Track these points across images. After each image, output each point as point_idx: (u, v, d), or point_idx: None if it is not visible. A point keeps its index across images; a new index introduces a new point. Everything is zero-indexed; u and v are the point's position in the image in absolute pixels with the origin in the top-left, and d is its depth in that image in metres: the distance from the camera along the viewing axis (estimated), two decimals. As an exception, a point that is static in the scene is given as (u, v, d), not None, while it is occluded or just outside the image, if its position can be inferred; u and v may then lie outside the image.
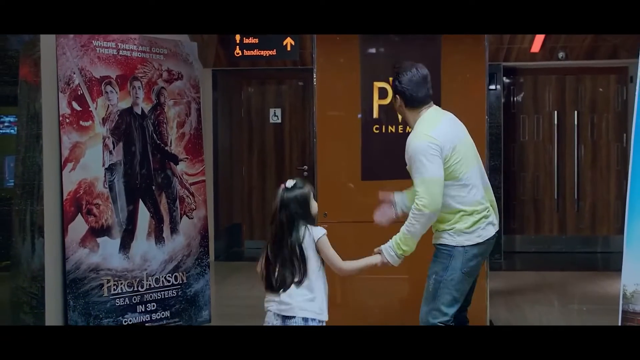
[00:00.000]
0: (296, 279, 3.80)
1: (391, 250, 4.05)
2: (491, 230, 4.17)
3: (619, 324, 4.27)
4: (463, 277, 4.09)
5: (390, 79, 4.27)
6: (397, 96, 4.18)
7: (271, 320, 3.86)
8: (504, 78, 9.82)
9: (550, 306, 7.12)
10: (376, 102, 5.53)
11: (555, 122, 9.94)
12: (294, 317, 3.80)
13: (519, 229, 9.96)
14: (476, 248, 4.09)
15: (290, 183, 3.89)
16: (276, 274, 3.83)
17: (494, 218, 4.22)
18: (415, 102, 4.16)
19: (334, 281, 5.50)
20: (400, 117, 4.43)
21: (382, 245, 4.12)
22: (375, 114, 5.54)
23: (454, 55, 5.50)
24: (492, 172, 8.38)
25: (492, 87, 9.30)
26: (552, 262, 9.50)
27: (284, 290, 3.80)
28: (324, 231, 3.90)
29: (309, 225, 3.88)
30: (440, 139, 4.02)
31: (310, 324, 3.81)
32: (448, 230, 4.08)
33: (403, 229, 4.04)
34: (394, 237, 4.09)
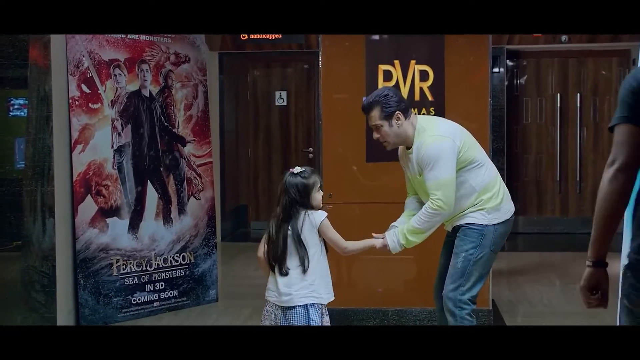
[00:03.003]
0: (298, 265, 3.81)
1: (396, 239, 4.12)
2: (512, 205, 4.27)
3: (618, 302, 4.35)
4: (491, 255, 4.17)
5: (375, 114, 4.11)
6: (398, 115, 4.11)
7: (272, 311, 3.87)
8: (507, 61, 9.84)
9: (552, 286, 7.18)
10: (381, 84, 5.58)
11: (558, 104, 9.97)
12: (294, 306, 3.81)
13: (522, 210, 10.01)
14: (503, 226, 4.17)
15: (297, 169, 3.89)
16: (276, 256, 3.84)
17: (510, 196, 4.31)
18: (409, 108, 4.21)
19: (339, 262, 5.61)
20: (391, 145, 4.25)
21: (386, 232, 4.18)
22: (380, 97, 5.60)
23: (458, 38, 5.55)
24: (495, 154, 8.44)
25: (496, 70, 9.34)
26: (553, 243, 9.56)
27: (284, 275, 3.81)
28: (325, 214, 3.91)
29: (308, 211, 3.86)
30: (451, 134, 4.10)
31: (311, 310, 3.81)
32: (479, 210, 4.14)
33: (413, 222, 4.09)
34: (401, 227, 4.15)
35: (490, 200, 4.13)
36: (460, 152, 4.07)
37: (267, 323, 3.88)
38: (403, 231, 4.11)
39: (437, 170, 4.00)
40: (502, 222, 4.17)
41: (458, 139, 4.10)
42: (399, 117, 4.11)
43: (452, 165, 4.02)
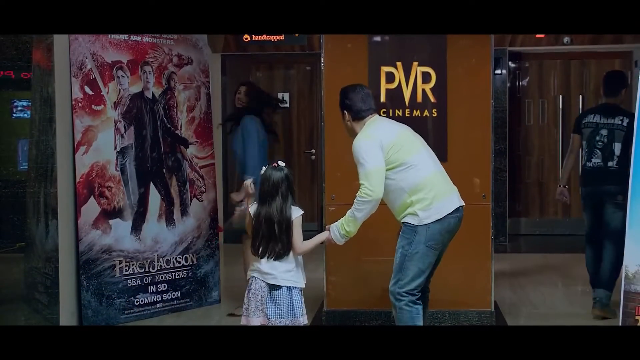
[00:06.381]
0: (281, 251, 4.17)
1: (337, 230, 4.37)
2: (449, 207, 4.42)
3: (621, 304, 4.35)
4: (427, 250, 4.38)
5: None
6: (345, 111, 4.57)
7: (259, 289, 4.19)
8: (510, 63, 9.84)
9: (554, 288, 7.18)
10: (383, 86, 5.59)
11: (560, 106, 9.96)
12: (280, 286, 4.16)
13: (524, 212, 10.02)
14: (438, 223, 4.37)
15: (282, 163, 4.26)
16: (263, 243, 4.19)
17: (452, 195, 4.48)
18: (360, 115, 4.54)
19: (343, 264, 5.61)
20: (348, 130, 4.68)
21: (331, 224, 4.43)
22: (383, 98, 5.60)
23: (460, 40, 5.55)
24: (498, 155, 8.44)
25: (498, 71, 9.33)
26: (556, 244, 9.54)
27: (268, 259, 4.16)
28: (302, 212, 4.24)
29: (292, 205, 4.23)
30: (377, 135, 4.38)
31: (294, 291, 4.18)
32: (410, 213, 4.38)
33: (348, 213, 4.36)
34: (341, 219, 4.38)
35: (419, 202, 4.36)
36: (388, 154, 4.34)
37: (252, 301, 4.20)
38: (342, 222, 4.37)
39: (363, 162, 4.31)
40: (434, 221, 4.36)
41: (387, 141, 4.36)
42: (344, 115, 4.60)
43: (376, 157, 4.30)
